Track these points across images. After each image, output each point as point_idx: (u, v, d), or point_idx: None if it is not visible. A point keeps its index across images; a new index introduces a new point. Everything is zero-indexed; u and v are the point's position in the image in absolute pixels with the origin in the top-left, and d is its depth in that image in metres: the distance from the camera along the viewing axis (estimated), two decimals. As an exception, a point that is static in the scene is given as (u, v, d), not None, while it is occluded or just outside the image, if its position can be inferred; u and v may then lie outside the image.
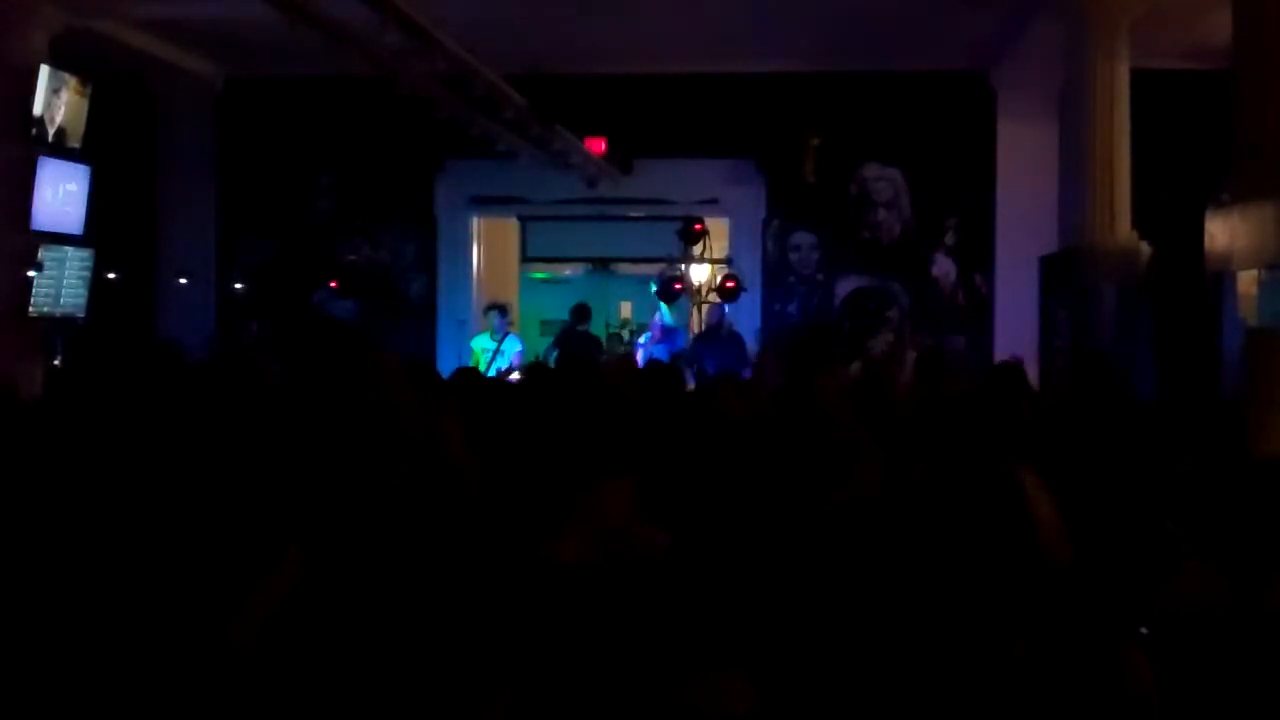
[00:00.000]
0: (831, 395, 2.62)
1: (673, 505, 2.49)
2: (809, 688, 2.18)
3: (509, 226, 14.60)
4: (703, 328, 11.92)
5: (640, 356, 11.51)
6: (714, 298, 11.85)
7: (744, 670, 2.01)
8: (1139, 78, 9.51)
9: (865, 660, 2.16)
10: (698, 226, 11.97)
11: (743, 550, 2.20)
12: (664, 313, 12.00)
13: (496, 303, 12.19)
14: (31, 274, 9.62)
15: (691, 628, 2.02)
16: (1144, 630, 2.54)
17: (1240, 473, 2.80)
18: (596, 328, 12.61)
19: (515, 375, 10.63)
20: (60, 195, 9.98)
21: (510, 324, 11.99)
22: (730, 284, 11.68)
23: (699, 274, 12.24)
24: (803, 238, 12.99)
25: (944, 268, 12.84)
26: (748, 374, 8.70)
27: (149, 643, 2.53)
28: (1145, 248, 8.92)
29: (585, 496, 2.20)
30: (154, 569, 2.76)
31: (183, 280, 12.81)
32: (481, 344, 11.69)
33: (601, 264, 15.50)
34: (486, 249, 14.18)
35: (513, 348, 11.61)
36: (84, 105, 10.10)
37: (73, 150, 10.12)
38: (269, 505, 3.07)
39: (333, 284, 12.89)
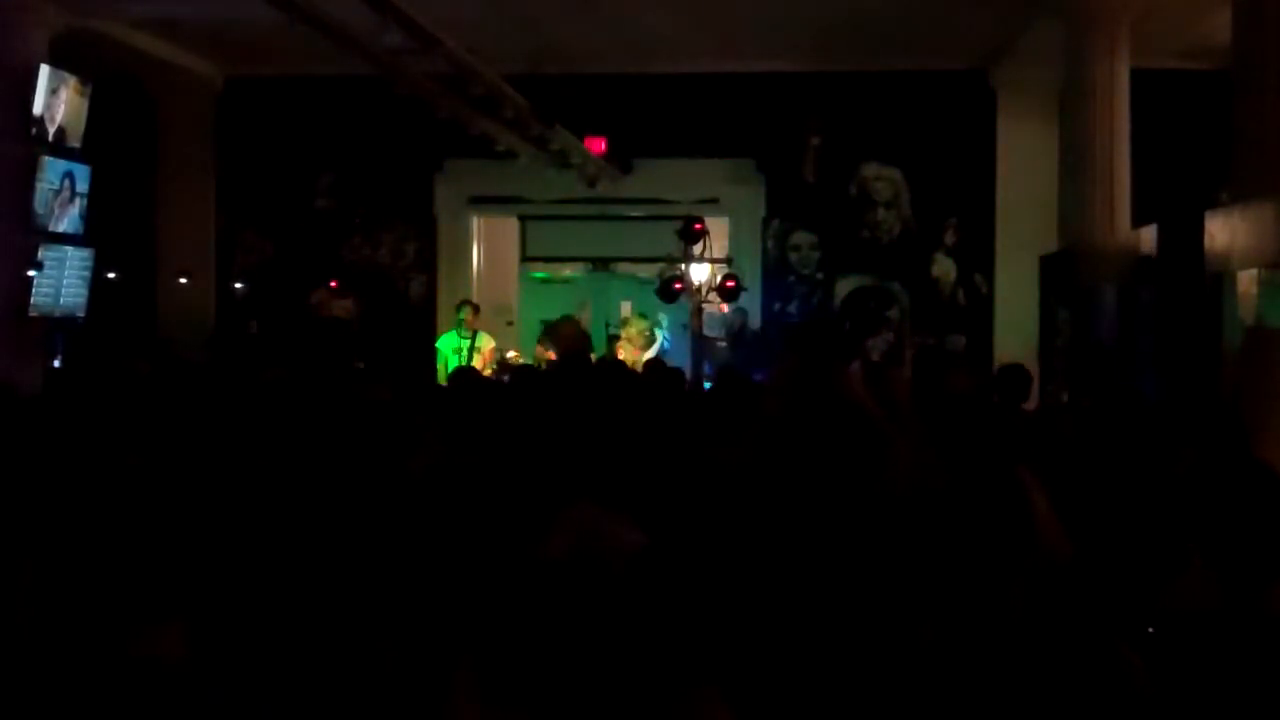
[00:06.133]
0: (857, 385, 2.59)
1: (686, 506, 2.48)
2: (807, 683, 2.17)
3: (509, 226, 14.59)
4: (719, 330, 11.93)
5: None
6: (714, 298, 11.84)
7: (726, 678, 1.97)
8: (1139, 78, 9.51)
9: (864, 656, 2.15)
10: (698, 226, 11.94)
11: (748, 549, 2.18)
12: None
13: (467, 300, 12.14)
14: (31, 274, 9.62)
15: (674, 631, 1.99)
16: (1149, 630, 2.54)
17: (1241, 473, 2.80)
18: (596, 327, 12.59)
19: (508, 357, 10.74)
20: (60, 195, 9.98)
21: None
22: (730, 284, 11.66)
23: (699, 274, 12.23)
24: (803, 237, 12.98)
25: (944, 268, 12.84)
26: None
27: (148, 643, 2.52)
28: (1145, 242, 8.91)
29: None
30: (152, 568, 2.76)
31: (183, 280, 12.80)
32: (450, 344, 11.55)
33: (601, 264, 15.49)
34: (486, 249, 14.17)
35: (485, 344, 11.56)
36: (84, 105, 10.10)
37: (73, 150, 10.12)
38: (267, 504, 3.07)
39: (333, 284, 12.88)
